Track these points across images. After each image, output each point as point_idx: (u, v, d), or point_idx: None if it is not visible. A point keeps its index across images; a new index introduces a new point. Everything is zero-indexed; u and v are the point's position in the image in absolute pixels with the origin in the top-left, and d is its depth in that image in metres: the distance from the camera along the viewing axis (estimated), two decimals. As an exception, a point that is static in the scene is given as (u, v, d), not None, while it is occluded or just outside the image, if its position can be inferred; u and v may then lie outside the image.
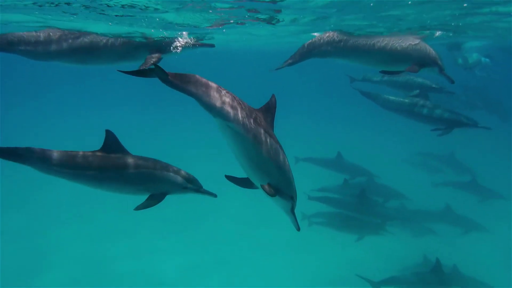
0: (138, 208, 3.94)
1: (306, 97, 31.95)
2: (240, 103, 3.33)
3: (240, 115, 3.26)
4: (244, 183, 3.83)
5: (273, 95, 3.53)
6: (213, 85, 3.29)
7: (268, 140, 3.35)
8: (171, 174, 3.98)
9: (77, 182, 3.94)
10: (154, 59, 4.39)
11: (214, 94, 3.25)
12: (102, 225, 11.37)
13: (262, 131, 3.33)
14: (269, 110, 3.48)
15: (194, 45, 4.75)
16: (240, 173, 3.87)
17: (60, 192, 12.16)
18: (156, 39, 4.64)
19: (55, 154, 3.83)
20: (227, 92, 3.32)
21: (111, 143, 3.89)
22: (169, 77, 3.17)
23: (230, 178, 3.90)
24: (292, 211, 3.61)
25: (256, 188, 3.72)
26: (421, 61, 4.80)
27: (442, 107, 6.86)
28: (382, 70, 5.15)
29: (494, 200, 12.35)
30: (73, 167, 3.80)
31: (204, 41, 5.02)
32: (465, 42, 12.59)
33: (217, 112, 3.26)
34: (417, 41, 4.81)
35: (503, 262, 10.40)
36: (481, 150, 16.14)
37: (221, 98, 3.26)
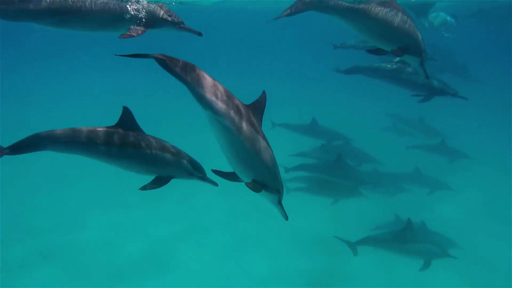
0: (144, 188, 4.04)
1: (282, 59, 31.59)
2: (231, 98, 3.33)
3: (230, 110, 3.27)
4: (231, 177, 3.90)
5: (263, 92, 3.54)
6: (208, 77, 3.26)
7: (256, 137, 3.40)
8: (181, 159, 4.04)
9: (89, 157, 3.94)
10: (138, 31, 4.17)
11: (208, 86, 3.22)
12: (75, 194, 11.18)
13: (250, 128, 3.37)
14: (258, 106, 3.51)
15: (181, 27, 4.50)
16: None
17: (35, 157, 11.78)
18: (143, 11, 4.32)
19: (69, 132, 3.78)
20: (220, 86, 3.30)
21: (127, 120, 3.88)
22: (166, 60, 3.12)
23: (216, 172, 3.96)
24: (279, 203, 3.72)
25: (242, 181, 3.79)
26: (409, 47, 4.74)
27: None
28: (368, 49, 5.07)
29: (461, 160, 13.03)
30: (87, 143, 3.78)
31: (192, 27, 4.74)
32: (432, 6, 12.73)
33: (208, 105, 3.25)
34: (412, 25, 4.72)
35: (465, 218, 11.16)
36: (449, 112, 16.78)
37: (214, 91, 3.24)
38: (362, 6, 4.47)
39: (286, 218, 3.74)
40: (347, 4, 4.48)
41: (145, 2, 4.47)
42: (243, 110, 3.36)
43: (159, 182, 4.07)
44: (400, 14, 4.64)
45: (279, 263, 8.84)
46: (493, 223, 10.84)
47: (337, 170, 9.88)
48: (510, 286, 8.59)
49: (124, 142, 3.82)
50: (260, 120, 3.52)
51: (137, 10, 4.22)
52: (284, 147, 11.24)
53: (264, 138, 3.50)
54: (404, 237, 7.83)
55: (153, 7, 4.38)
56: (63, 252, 8.83)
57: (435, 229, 9.24)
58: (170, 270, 8.52)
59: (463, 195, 11.95)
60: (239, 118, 3.30)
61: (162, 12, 4.36)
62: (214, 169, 3.97)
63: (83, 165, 11.01)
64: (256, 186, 3.51)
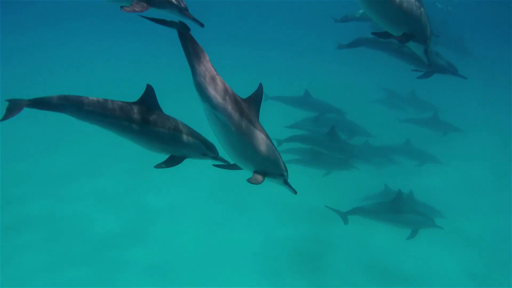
0: (158, 166, 4.11)
1: (276, 30, 31.02)
2: (230, 93, 3.37)
3: (228, 106, 3.33)
4: (233, 167, 4.00)
5: (260, 84, 3.56)
6: (212, 69, 3.32)
7: (253, 132, 3.45)
8: (196, 140, 4.11)
9: (108, 130, 4.00)
10: (140, 7, 4.06)
11: (210, 79, 3.30)
12: (62, 161, 11.13)
13: (248, 123, 3.41)
14: (255, 99, 3.53)
15: (185, 14, 4.40)
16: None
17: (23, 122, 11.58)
18: None
19: (93, 102, 3.85)
20: (221, 80, 3.35)
21: (149, 98, 3.93)
22: (188, 34, 3.23)
23: (218, 166, 4.08)
24: (285, 183, 3.81)
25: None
26: (415, 33, 4.61)
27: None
28: (374, 32, 4.94)
29: (453, 133, 13.20)
30: (110, 116, 3.86)
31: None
32: None
33: (207, 98, 3.32)
34: (422, 11, 4.55)
35: (453, 191, 11.45)
36: (441, 86, 16.90)
37: (215, 85, 3.31)
38: None
39: (295, 193, 3.82)
40: None
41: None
42: (240, 105, 3.40)
43: (173, 161, 4.16)
44: None
45: (267, 232, 8.98)
46: (482, 196, 11.16)
47: (330, 142, 9.94)
48: (494, 256, 8.93)
49: (144, 120, 3.90)
50: (257, 112, 3.56)
51: None
52: (277, 119, 11.28)
53: (262, 131, 3.54)
54: (393, 208, 8.00)
55: None
56: (46, 221, 8.79)
57: (423, 200, 9.49)
58: (156, 240, 8.55)
59: (452, 167, 12.21)
60: (236, 113, 3.34)
61: None
62: (214, 164, 4.11)
63: (72, 132, 10.99)
64: (258, 178, 3.58)
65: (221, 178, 10.38)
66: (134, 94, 4.15)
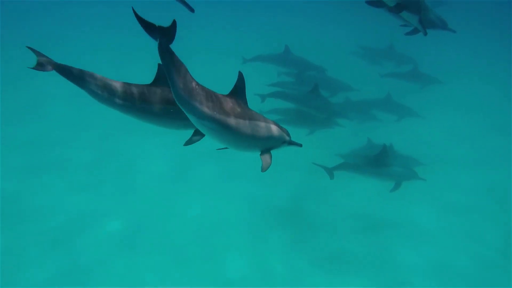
0: (186, 143, 4.02)
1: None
2: (213, 99, 3.27)
3: (214, 113, 3.24)
4: None
5: (240, 73, 3.41)
6: (193, 82, 3.21)
7: (246, 124, 3.37)
8: None
9: (126, 114, 3.87)
10: None
11: (192, 91, 3.20)
12: (33, 133, 10.57)
13: (238, 119, 3.33)
14: (239, 91, 3.42)
15: None
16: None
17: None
18: None
19: (113, 84, 3.72)
20: (202, 89, 3.25)
21: (162, 78, 3.74)
22: (168, 48, 3.11)
23: (222, 148, 3.99)
24: (290, 144, 3.78)
25: None
26: (408, 4, 4.51)
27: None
28: (368, 0, 4.81)
29: (433, 85, 13.32)
30: (129, 99, 3.74)
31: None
32: None
33: (191, 110, 3.24)
34: None
35: (435, 143, 11.74)
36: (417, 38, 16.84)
37: (197, 96, 3.21)
38: None
39: (300, 146, 3.84)
40: None
41: None
42: (226, 106, 3.30)
43: (198, 135, 4.07)
44: None
45: (251, 195, 8.96)
46: (462, 147, 11.43)
47: (313, 101, 9.87)
48: (474, 207, 9.27)
49: (164, 100, 3.75)
50: (244, 102, 3.47)
51: None
52: (257, 78, 11.06)
53: (255, 117, 3.47)
54: (377, 162, 8.13)
55: None
56: (15, 198, 8.35)
57: (406, 152, 9.67)
58: (135, 209, 8.34)
59: (433, 119, 12.45)
60: (224, 116, 3.26)
61: None
62: (218, 148, 4.04)
63: (38, 100, 10.42)
64: (267, 160, 3.53)
65: (198, 145, 10.18)
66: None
